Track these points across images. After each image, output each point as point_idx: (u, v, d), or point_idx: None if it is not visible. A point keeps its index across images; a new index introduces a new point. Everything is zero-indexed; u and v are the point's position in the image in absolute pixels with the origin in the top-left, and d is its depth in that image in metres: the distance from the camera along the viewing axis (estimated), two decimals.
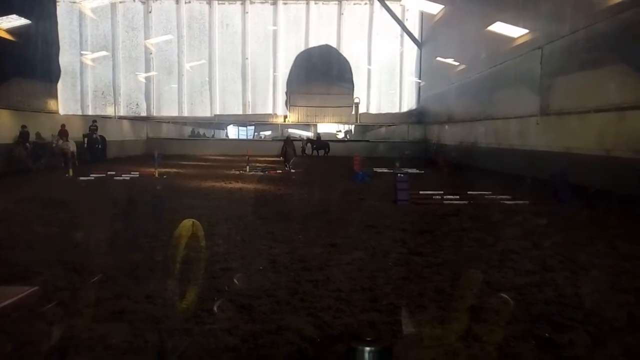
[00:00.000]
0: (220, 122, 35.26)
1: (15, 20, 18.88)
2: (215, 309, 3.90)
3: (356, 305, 4.03)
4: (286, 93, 30.17)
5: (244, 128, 43.07)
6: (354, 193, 11.74)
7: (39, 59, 20.03)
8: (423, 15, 28.90)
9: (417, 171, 18.36)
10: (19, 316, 3.74)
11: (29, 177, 15.62)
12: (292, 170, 18.18)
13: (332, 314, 3.83)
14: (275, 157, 24.23)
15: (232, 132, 46.36)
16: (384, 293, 4.33)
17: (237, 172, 17.50)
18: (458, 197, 10.41)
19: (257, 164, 20.35)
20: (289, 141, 19.22)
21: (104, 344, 3.31)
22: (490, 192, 11.10)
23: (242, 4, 28.65)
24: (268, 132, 44.89)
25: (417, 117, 30.26)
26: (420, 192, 10.92)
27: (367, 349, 1.29)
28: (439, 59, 25.18)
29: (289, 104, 30.71)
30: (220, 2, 28.43)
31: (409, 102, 31.05)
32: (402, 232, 7.12)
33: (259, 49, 29.62)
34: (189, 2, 28.21)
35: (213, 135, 43.55)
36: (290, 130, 43.95)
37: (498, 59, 17.31)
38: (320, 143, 28.42)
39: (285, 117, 33.04)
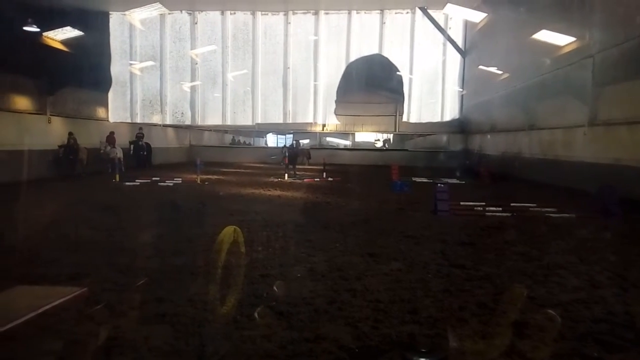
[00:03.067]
0: (260, 130, 35.80)
1: (69, 32, 19.88)
2: (255, 315, 3.94)
3: (395, 316, 3.98)
4: (335, 102, 30.20)
5: (283, 136, 43.56)
6: (393, 202, 11.64)
7: (91, 68, 20.96)
8: (467, 24, 28.47)
9: (458, 181, 18.04)
10: (68, 316, 3.90)
11: (77, 182, 16.33)
12: (330, 179, 18.23)
13: (370, 324, 3.80)
14: (314, 166, 24.37)
15: (271, 140, 47.02)
16: (424, 305, 4.26)
17: (276, 180, 17.70)
18: (501, 208, 10.16)
19: (296, 172, 20.50)
20: (295, 147, 21.59)
21: (148, 345, 3.40)
22: (534, 204, 10.77)
23: (284, 14, 29.09)
24: (306, 141, 45.23)
25: (458, 126, 29.78)
26: (461, 203, 10.71)
27: None
28: (483, 67, 24.72)
29: (337, 112, 30.72)
30: (263, 13, 28.95)
31: (451, 111, 30.56)
32: (442, 243, 7.00)
33: (300, 59, 29.94)
34: (234, 13, 28.85)
35: (252, 143, 44.31)
36: (329, 139, 44.21)
37: (545, 68, 16.82)
38: (299, 150, 28.29)
39: (324, 125, 33.19)
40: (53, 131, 18.54)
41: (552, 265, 5.75)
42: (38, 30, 17.00)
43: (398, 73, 29.54)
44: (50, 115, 18.65)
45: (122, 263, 5.52)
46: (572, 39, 15.19)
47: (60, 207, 10.37)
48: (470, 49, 28.57)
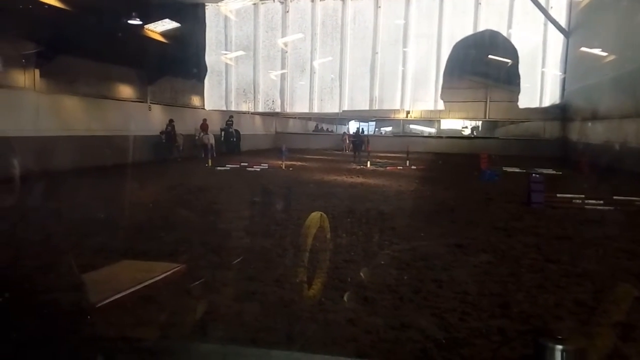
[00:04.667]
0: (342, 117, 35.81)
1: (168, 24, 21.10)
2: (344, 299, 4.00)
3: (484, 310, 3.83)
4: (442, 87, 29.20)
5: (365, 123, 43.36)
6: (481, 192, 11.18)
7: (187, 59, 22.15)
8: (571, 2, 26.18)
9: (554, 172, 16.89)
10: (168, 290, 4.21)
11: (174, 166, 17.47)
12: (414, 167, 17.89)
13: (457, 316, 3.70)
14: (395, 153, 24.08)
15: (354, 127, 46.99)
16: (516, 300, 4.06)
17: (358, 167, 17.71)
18: (602, 201, 9.36)
19: (378, 160, 20.39)
20: (359, 135, 22.73)
21: (239, 321, 3.59)
22: None
23: None
24: (389, 128, 44.62)
25: (558, 112, 27.67)
26: (558, 194, 10.02)
27: (560, 347, 1.17)
28: (588, 49, 22.73)
29: (444, 98, 29.59)
30: None
31: (551, 97, 28.41)
32: (536, 236, 6.61)
33: (389, 43, 29.34)
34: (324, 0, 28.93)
35: (334, 130, 44.58)
36: (412, 126, 43.18)
37: None
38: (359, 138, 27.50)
39: (408, 112, 32.42)
40: (152, 118, 19.93)
41: None
42: (140, 23, 18.23)
43: (514, 50, 27.39)
44: (150, 103, 20.05)
45: (215, 242, 5.84)
46: None
47: (159, 189, 11.17)
48: (575, 29, 26.35)
